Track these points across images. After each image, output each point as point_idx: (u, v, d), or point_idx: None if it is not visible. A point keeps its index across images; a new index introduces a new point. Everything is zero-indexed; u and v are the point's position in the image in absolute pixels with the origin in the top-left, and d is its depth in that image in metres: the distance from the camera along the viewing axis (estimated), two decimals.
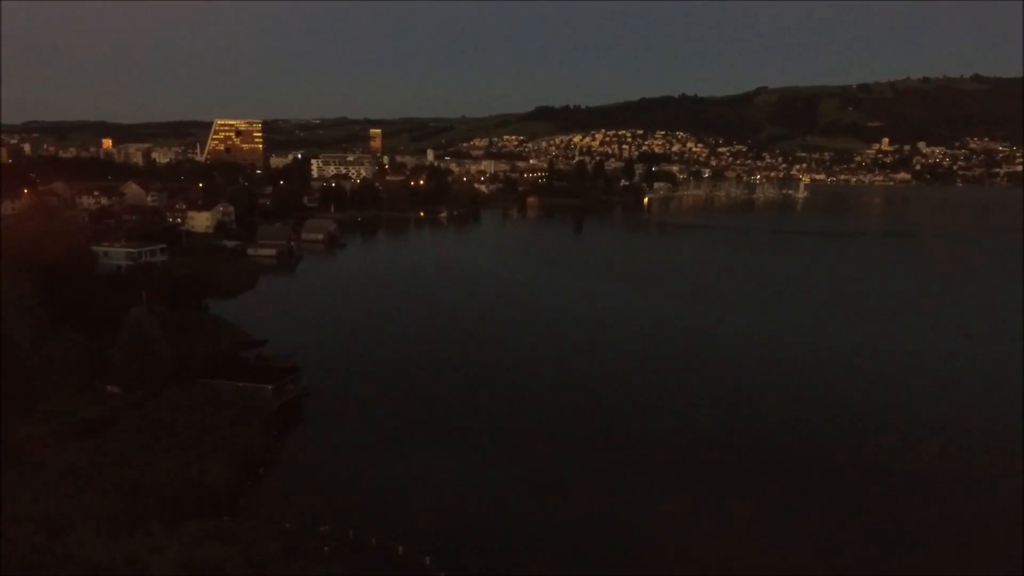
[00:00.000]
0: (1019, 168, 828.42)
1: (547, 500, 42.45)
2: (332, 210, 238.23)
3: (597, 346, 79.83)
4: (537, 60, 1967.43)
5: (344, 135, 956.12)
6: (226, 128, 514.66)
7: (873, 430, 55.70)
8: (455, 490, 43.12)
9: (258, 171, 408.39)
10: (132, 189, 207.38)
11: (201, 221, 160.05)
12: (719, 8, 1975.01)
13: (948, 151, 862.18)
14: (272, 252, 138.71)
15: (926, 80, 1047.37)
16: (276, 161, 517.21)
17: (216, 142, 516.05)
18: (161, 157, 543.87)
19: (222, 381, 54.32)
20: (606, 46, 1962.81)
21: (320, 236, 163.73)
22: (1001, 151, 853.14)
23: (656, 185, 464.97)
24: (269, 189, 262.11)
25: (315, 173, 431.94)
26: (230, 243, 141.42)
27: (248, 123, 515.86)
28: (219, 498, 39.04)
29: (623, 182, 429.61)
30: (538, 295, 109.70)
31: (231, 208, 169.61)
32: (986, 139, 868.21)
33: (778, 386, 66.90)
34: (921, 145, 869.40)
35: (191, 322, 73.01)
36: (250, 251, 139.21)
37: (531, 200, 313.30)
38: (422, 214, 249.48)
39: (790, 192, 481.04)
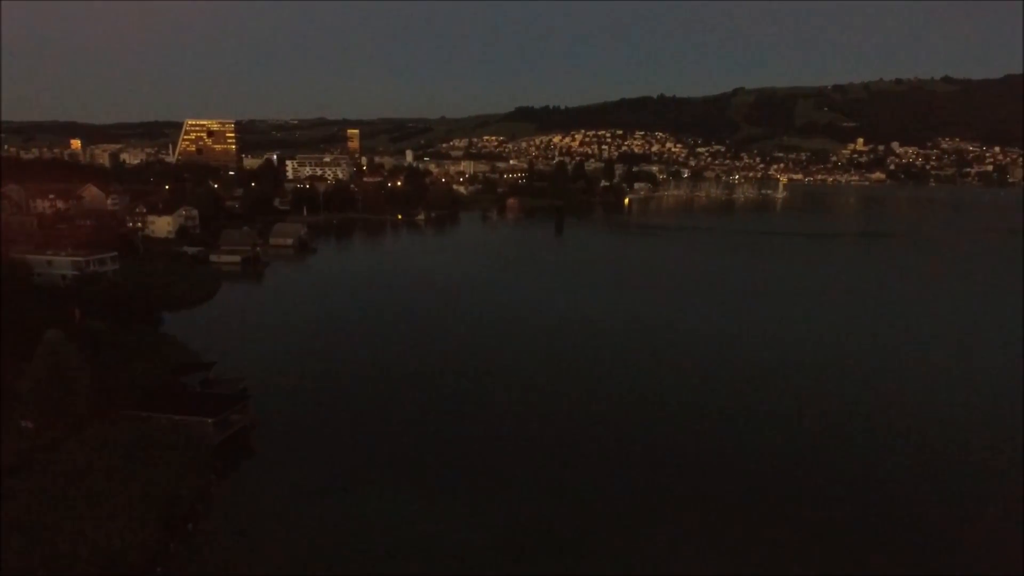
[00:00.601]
0: (989, 168, 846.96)
1: (529, 560, 36.63)
2: (305, 213, 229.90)
3: (584, 362, 74.18)
4: (516, 60, 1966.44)
5: (322, 136, 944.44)
6: (197, 128, 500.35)
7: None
8: (419, 548, 37.04)
9: (231, 172, 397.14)
10: (91, 192, 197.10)
11: (162, 226, 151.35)
12: (695, 9, 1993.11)
13: (921, 151, 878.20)
14: (236, 259, 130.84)
15: (898, 81, 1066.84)
16: (251, 162, 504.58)
17: (187, 143, 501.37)
18: (131, 158, 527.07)
19: (155, 414, 47.47)
20: (585, 46, 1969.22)
21: (289, 241, 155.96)
22: (971, 151, 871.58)
23: (636, 185, 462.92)
24: (240, 192, 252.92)
25: (290, 174, 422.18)
26: (191, 249, 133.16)
27: (220, 123, 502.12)
28: (133, 567, 32.48)
29: (603, 183, 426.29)
30: (520, 304, 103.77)
31: (195, 212, 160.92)
32: (957, 139, 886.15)
33: (778, 393, 62.36)
34: (895, 145, 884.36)
35: (132, 341, 65.73)
36: (213, 258, 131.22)
37: (511, 201, 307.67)
38: (400, 217, 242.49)
39: (769, 192, 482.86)
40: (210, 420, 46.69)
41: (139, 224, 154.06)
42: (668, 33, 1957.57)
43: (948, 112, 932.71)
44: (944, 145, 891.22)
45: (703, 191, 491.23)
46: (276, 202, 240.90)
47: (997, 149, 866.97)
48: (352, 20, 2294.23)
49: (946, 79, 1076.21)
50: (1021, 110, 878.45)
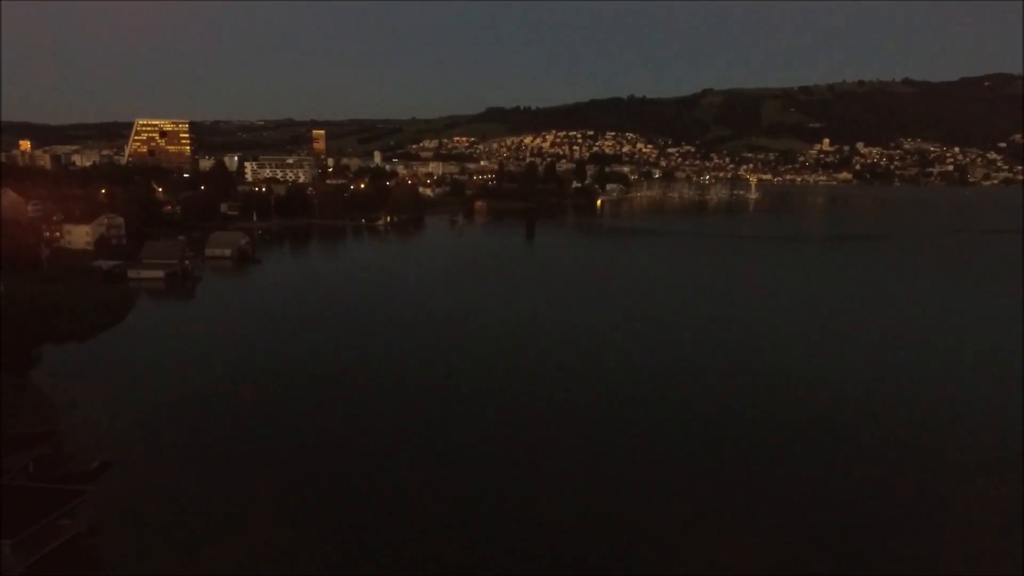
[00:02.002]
0: (950, 168, 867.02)
1: None
2: (255, 219, 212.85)
3: (550, 417, 61.35)
4: (487, 61, 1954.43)
5: (289, 137, 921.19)
6: (149, 129, 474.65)
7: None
8: None
9: (185, 175, 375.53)
10: (9, 197, 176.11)
11: (80, 236, 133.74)
12: (664, 10, 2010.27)
13: (884, 151, 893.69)
14: (159, 274, 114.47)
15: (861, 83, 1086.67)
16: (208, 164, 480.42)
17: (138, 143, 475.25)
18: (84, 160, 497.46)
19: None
20: (555, 47, 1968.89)
21: (228, 252, 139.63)
22: (933, 151, 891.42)
23: (608, 187, 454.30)
24: (184, 196, 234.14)
25: (249, 176, 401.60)
26: (106, 264, 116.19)
27: (174, 123, 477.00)
28: None
29: (575, 184, 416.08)
30: (487, 336, 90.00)
31: (119, 220, 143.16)
32: (919, 140, 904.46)
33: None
34: (859, 146, 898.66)
35: None
36: (132, 273, 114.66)
37: (479, 204, 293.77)
38: (364, 221, 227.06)
39: (742, 193, 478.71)
40: (8, 542, 32.09)
41: (57, 234, 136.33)
42: (637, 34, 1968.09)
43: (909, 113, 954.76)
44: (906, 145, 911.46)
45: (675, 192, 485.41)
46: (224, 207, 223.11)
47: (956, 149, 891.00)
48: (322, 21, 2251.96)
49: (906, 81, 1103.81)
50: (978, 112, 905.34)
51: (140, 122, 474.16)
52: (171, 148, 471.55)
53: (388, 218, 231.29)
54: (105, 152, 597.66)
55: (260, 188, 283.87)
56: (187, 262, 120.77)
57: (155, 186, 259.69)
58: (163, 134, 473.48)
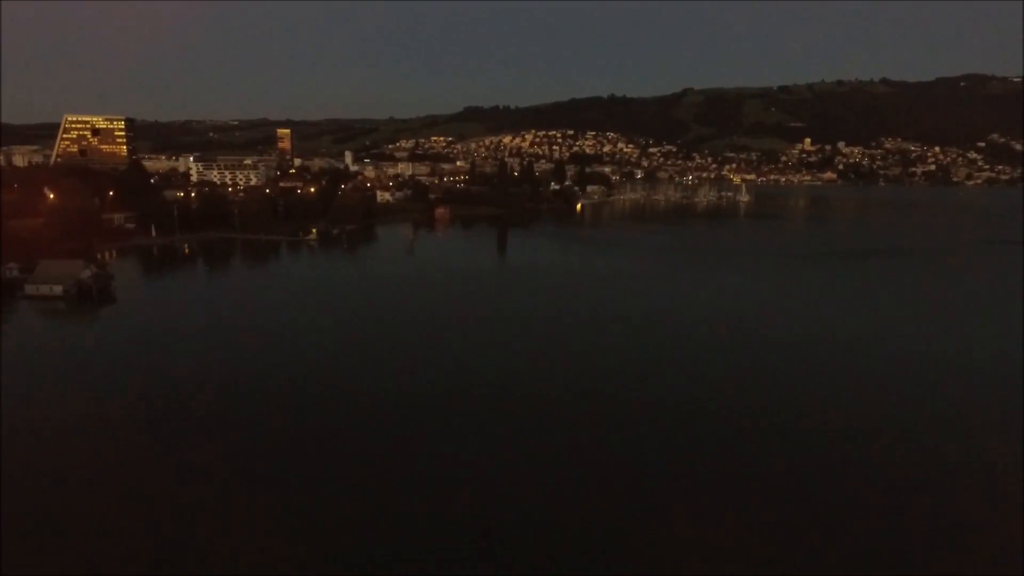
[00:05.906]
0: (932, 167, 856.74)
1: None
2: (154, 234, 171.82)
3: None
4: (466, 60, 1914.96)
5: (262, 137, 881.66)
6: (80, 126, 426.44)
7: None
8: None
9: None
10: None
11: None
12: (644, 9, 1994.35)
13: (866, 151, 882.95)
14: None
15: (840, 83, 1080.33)
16: (159, 165, 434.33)
17: (67, 143, 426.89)
18: (21, 161, 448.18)
19: None
20: (535, 46, 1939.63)
21: (59, 289, 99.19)
22: (914, 151, 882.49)
23: (589, 188, 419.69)
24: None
25: (194, 178, 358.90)
26: None
27: (108, 120, 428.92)
28: None
29: (554, 185, 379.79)
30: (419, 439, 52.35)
31: None
32: (899, 139, 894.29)
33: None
34: (841, 145, 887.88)
35: None
36: None
37: (440, 211, 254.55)
38: (314, 230, 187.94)
39: (730, 195, 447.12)
40: None
41: None
42: (617, 33, 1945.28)
43: (888, 113, 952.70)
44: (888, 145, 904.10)
45: (660, 194, 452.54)
46: (120, 219, 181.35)
47: (937, 149, 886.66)
48: (298, 20, 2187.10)
49: (884, 81, 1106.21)
50: (956, 112, 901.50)
51: (69, 118, 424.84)
52: (105, 147, 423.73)
53: (323, 230, 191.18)
54: (47, 152, 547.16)
55: (181, 193, 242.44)
56: None
57: (47, 192, 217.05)
58: (96, 132, 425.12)
